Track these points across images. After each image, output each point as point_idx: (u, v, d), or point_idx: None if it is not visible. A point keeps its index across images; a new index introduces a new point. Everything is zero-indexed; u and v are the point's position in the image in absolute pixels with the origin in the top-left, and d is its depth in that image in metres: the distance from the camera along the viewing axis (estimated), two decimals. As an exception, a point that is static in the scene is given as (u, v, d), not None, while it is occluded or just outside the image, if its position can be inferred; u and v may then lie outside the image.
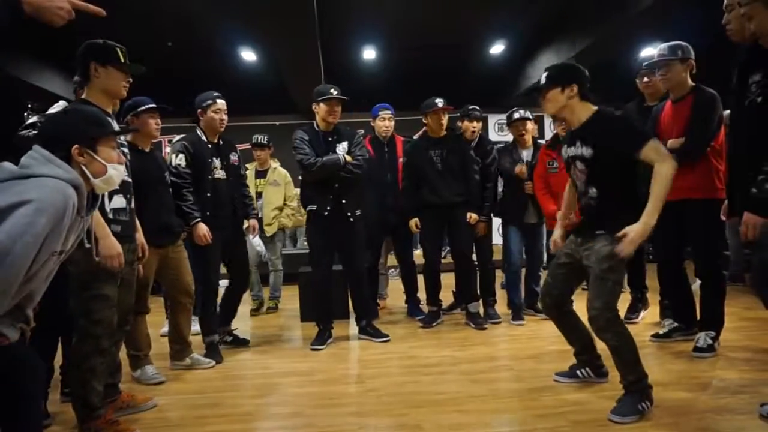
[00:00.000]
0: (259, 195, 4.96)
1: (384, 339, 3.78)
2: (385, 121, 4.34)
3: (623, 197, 2.36)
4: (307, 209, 3.78)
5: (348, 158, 3.65)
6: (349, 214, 3.69)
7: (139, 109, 3.00)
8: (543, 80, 2.47)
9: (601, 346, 2.49)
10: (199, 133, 3.48)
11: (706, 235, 3.10)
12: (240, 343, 3.78)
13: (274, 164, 5.18)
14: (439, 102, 4.04)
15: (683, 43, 3.13)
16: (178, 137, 4.16)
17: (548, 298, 2.64)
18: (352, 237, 3.76)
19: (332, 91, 3.67)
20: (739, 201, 2.25)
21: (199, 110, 3.47)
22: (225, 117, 3.50)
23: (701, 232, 3.09)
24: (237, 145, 3.82)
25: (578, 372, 2.77)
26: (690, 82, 3.13)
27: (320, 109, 3.69)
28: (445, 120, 4.06)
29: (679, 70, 3.09)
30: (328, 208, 3.65)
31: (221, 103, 3.48)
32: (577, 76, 2.41)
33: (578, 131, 2.42)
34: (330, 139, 3.71)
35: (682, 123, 3.09)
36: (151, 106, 3.04)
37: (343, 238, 3.75)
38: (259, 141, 5.02)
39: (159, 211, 3.02)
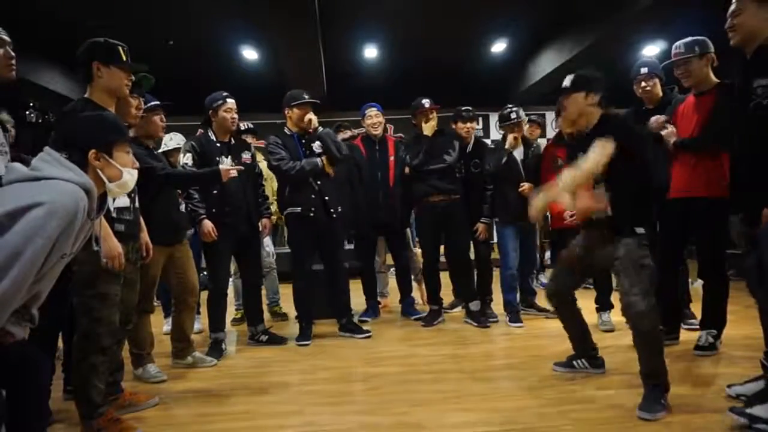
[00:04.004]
0: None
1: (365, 335, 3.81)
2: (372, 119, 4.35)
3: (636, 198, 2.44)
4: (287, 212, 3.81)
5: (325, 163, 3.70)
6: (332, 210, 3.74)
7: (145, 107, 3.02)
8: (567, 83, 2.58)
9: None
10: (209, 133, 3.54)
11: (711, 234, 3.07)
12: (277, 341, 3.78)
13: (259, 157, 5.11)
14: (426, 102, 4.11)
15: (699, 38, 3.05)
16: (171, 134, 4.17)
17: (555, 285, 2.76)
18: (332, 236, 3.82)
19: (305, 96, 3.73)
20: (748, 200, 2.28)
21: (210, 111, 3.52)
22: (236, 116, 3.56)
23: (707, 230, 3.07)
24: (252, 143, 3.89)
25: (575, 362, 2.87)
26: (713, 77, 3.07)
27: (294, 113, 3.75)
28: (434, 117, 4.13)
29: (700, 66, 3.03)
30: (313, 208, 3.69)
31: (231, 102, 3.54)
32: (598, 86, 2.54)
33: (590, 134, 2.51)
34: (304, 140, 3.77)
35: (703, 115, 3.02)
36: (156, 103, 3.06)
37: (324, 236, 3.79)
38: (249, 127, 4.92)
39: (167, 209, 3.04)
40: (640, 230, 2.39)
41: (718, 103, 2.96)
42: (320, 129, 3.75)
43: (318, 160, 3.70)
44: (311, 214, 3.68)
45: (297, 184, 3.72)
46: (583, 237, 2.65)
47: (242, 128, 4.86)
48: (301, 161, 3.68)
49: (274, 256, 4.77)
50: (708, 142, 2.98)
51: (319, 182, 3.71)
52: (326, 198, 3.72)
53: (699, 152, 3.02)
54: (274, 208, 4.61)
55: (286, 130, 3.82)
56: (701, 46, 3.03)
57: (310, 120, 3.71)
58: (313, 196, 3.70)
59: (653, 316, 2.30)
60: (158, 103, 3.07)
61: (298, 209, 3.71)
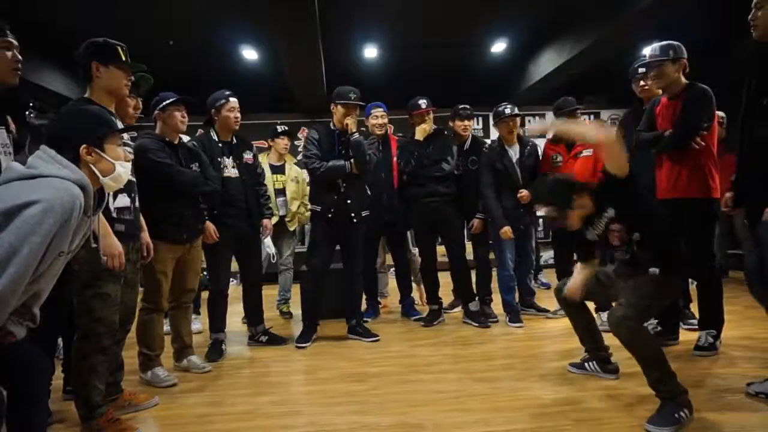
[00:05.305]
0: (280, 192, 4.76)
1: (373, 339, 3.79)
2: (377, 119, 4.34)
3: (660, 240, 2.34)
4: (310, 208, 3.84)
5: (354, 167, 3.66)
6: (353, 214, 3.70)
7: (164, 103, 3.03)
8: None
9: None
10: (211, 132, 3.52)
11: (700, 235, 3.08)
12: (277, 341, 3.78)
13: (291, 160, 5.05)
14: (422, 103, 4.11)
15: (674, 43, 3.09)
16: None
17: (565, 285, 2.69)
18: (353, 238, 3.79)
19: (351, 95, 3.70)
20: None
21: (213, 110, 3.50)
22: (239, 115, 3.54)
23: (696, 231, 3.08)
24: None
25: (587, 365, 2.84)
26: (683, 80, 3.10)
27: (338, 110, 3.73)
28: (429, 119, 4.13)
29: (671, 71, 3.06)
30: (332, 210, 3.67)
31: (234, 101, 3.52)
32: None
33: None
34: (344, 138, 3.73)
35: (675, 119, 3.06)
36: (175, 99, 3.05)
37: (345, 238, 3.78)
38: (285, 129, 4.86)
39: (188, 204, 3.03)
40: (654, 270, 2.28)
41: (685, 104, 3.02)
42: (355, 135, 3.69)
43: (346, 163, 3.65)
44: (330, 215, 3.68)
45: (322, 183, 3.72)
46: (616, 268, 2.55)
47: (278, 130, 4.84)
48: (329, 162, 3.65)
49: (275, 258, 4.75)
50: (677, 137, 3.01)
51: (344, 184, 3.68)
52: (348, 201, 3.69)
53: (666, 152, 3.07)
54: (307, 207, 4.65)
55: (330, 125, 3.80)
56: (676, 51, 3.06)
57: (347, 123, 3.68)
58: (335, 197, 3.68)
59: (628, 324, 2.16)
60: (178, 98, 3.05)
61: (319, 208, 3.73)
